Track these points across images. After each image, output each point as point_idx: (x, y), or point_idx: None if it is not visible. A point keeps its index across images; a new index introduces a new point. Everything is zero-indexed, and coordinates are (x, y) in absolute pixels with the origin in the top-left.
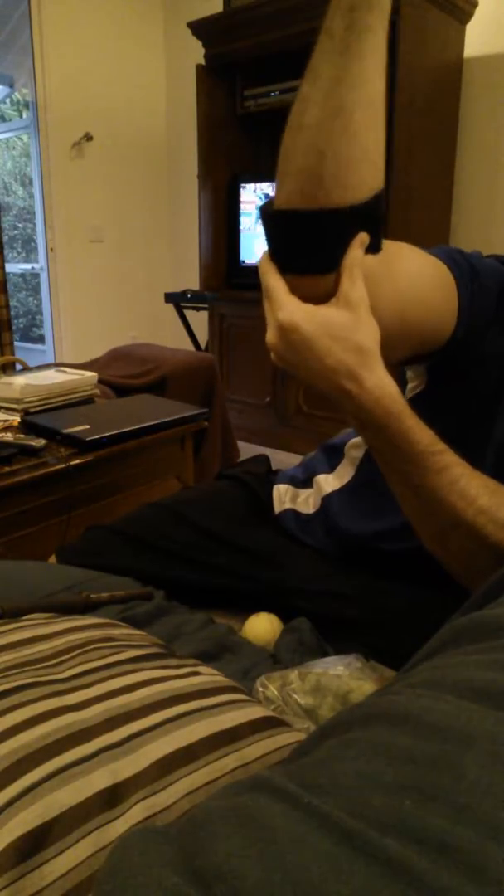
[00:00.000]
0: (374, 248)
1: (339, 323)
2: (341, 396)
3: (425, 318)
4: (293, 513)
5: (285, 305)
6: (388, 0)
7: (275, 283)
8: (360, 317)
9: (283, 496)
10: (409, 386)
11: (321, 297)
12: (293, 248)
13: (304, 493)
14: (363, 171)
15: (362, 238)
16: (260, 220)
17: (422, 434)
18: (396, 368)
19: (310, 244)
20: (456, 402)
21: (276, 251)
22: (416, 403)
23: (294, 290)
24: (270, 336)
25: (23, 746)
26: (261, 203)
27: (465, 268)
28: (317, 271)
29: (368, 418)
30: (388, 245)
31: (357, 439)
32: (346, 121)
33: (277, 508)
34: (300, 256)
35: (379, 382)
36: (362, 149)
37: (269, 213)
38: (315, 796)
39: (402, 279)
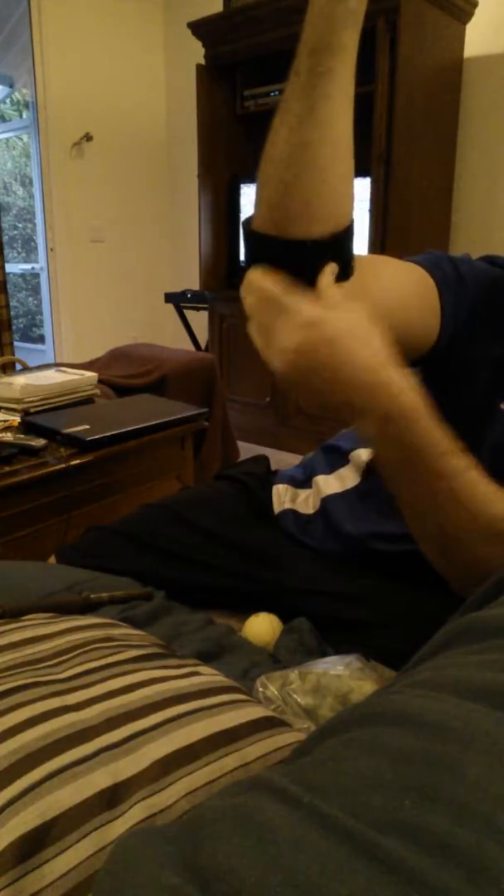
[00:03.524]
0: (343, 276)
1: (357, 320)
2: (372, 391)
3: (405, 329)
4: (293, 513)
5: (306, 306)
6: (355, 42)
7: (279, 292)
8: (369, 319)
9: (282, 496)
10: None
11: None
12: (270, 263)
13: (303, 494)
14: (329, 205)
15: (332, 268)
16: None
17: (443, 433)
18: None
19: (283, 266)
20: (448, 405)
21: (256, 259)
22: None
23: None
24: (291, 338)
25: (23, 746)
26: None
27: (451, 275)
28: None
29: (398, 411)
30: (361, 261)
31: (362, 449)
32: (312, 156)
33: (277, 508)
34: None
35: (405, 374)
36: (328, 184)
37: (248, 230)
38: (315, 796)
39: (375, 295)
